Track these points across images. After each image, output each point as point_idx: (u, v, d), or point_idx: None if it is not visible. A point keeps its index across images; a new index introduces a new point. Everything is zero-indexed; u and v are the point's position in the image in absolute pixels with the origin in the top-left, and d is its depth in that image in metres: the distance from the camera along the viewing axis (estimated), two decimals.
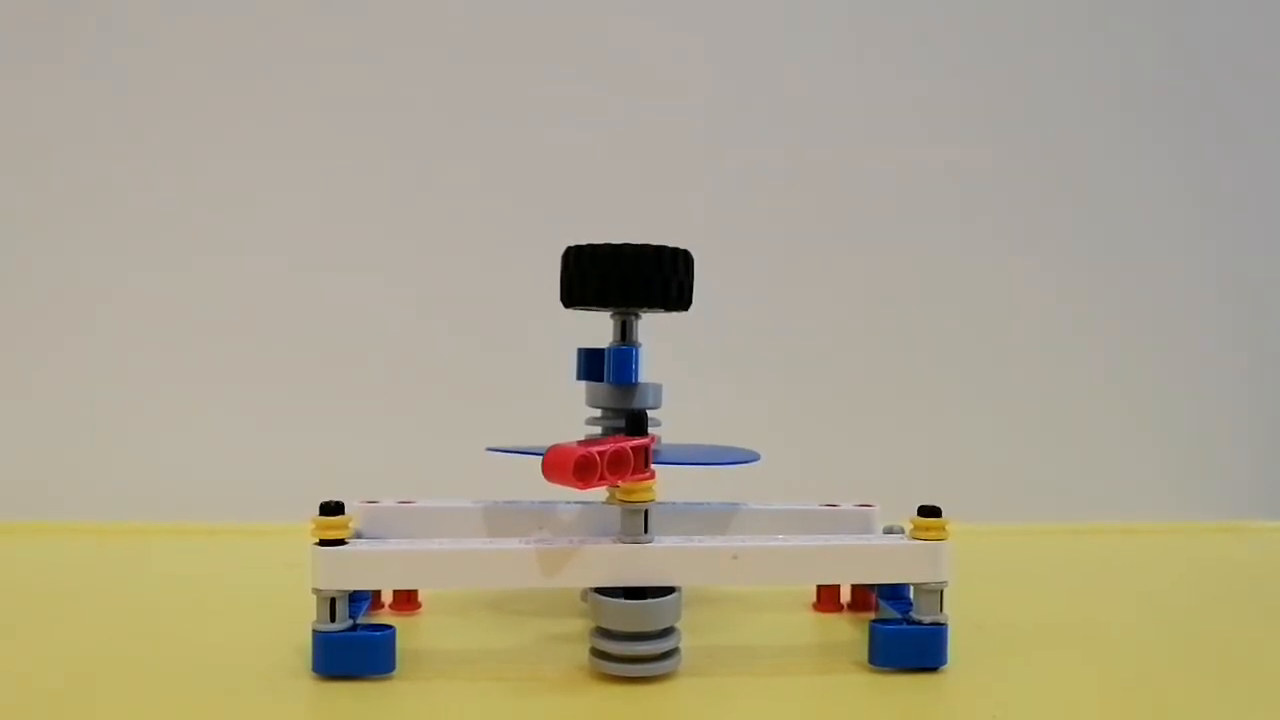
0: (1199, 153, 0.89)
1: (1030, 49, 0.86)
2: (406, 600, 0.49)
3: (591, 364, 0.45)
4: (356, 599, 0.41)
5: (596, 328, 0.47)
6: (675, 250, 0.43)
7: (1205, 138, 0.89)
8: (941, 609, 0.41)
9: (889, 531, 0.46)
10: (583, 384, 0.46)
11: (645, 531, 0.40)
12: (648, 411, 0.44)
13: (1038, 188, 0.87)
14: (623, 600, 0.38)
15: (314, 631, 0.38)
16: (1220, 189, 0.89)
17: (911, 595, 0.42)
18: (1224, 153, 0.89)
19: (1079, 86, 0.87)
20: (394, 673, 0.39)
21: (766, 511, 0.48)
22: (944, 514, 0.41)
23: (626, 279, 0.42)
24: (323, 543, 0.38)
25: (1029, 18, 0.86)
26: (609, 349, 0.44)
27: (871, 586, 0.48)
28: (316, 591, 0.38)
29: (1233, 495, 0.89)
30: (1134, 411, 0.88)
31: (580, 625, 0.46)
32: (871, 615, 0.46)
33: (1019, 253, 0.87)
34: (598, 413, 0.46)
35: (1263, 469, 0.90)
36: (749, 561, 0.40)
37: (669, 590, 0.39)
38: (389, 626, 0.39)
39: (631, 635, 0.38)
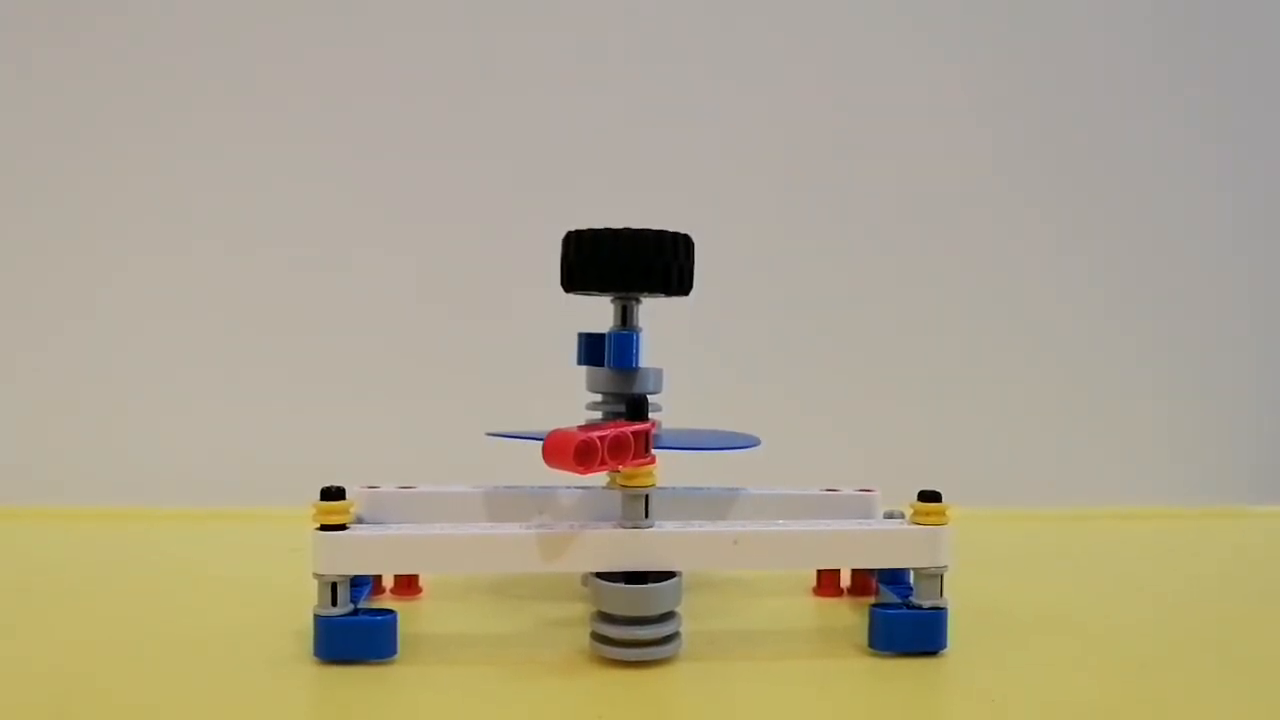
0: (1207, 143, 0.89)
1: (1039, 34, 0.86)
2: (407, 585, 0.49)
3: (592, 349, 0.45)
4: (358, 584, 0.41)
5: (597, 313, 0.47)
6: (676, 235, 0.43)
7: (1212, 126, 0.89)
8: (941, 593, 0.41)
9: (889, 516, 0.46)
10: (583, 369, 0.46)
11: (646, 516, 0.40)
12: (648, 396, 0.44)
13: (1041, 174, 0.87)
14: (623, 585, 0.38)
15: (315, 616, 0.38)
16: (1226, 176, 0.89)
17: (911, 580, 0.42)
18: (1232, 143, 0.89)
19: (1089, 74, 0.87)
20: (395, 657, 0.39)
21: (767, 496, 0.48)
22: (944, 499, 0.41)
23: (627, 264, 0.42)
24: (324, 528, 0.38)
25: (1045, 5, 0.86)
26: (609, 334, 0.44)
27: (872, 571, 0.49)
28: (318, 576, 0.38)
29: (1233, 480, 0.89)
30: (1134, 396, 0.88)
31: (581, 610, 0.46)
32: (872, 600, 0.46)
33: (1020, 238, 0.86)
34: (598, 398, 0.46)
35: (1264, 453, 0.90)
36: (749, 546, 0.40)
37: (669, 575, 0.39)
38: (390, 611, 0.39)
39: (632, 620, 0.38)
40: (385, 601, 0.48)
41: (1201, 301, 0.89)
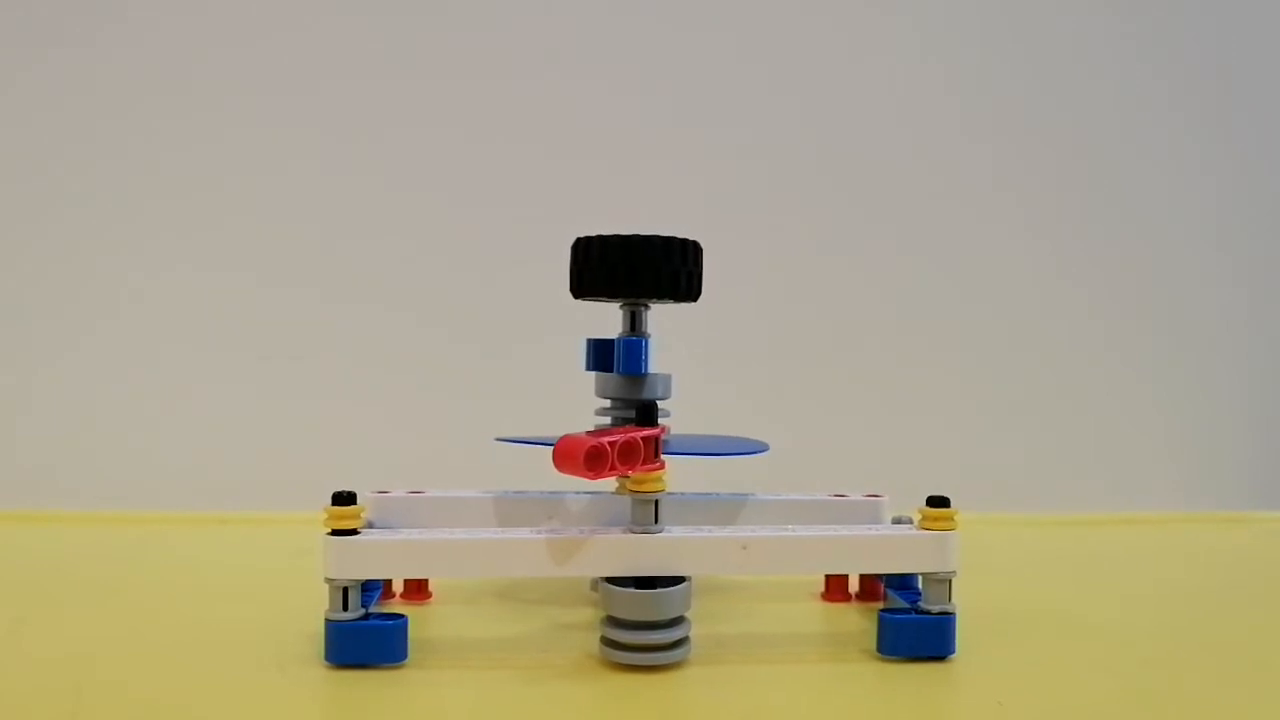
0: (1213, 148, 0.89)
1: (1037, 41, 0.86)
2: (418, 589, 0.49)
3: (601, 355, 0.45)
4: (368, 588, 0.41)
5: (606, 318, 0.47)
6: (684, 241, 0.43)
7: (1220, 132, 0.89)
8: (949, 598, 0.41)
9: (897, 521, 0.46)
10: (592, 374, 0.46)
11: (655, 521, 0.40)
12: (657, 402, 0.44)
13: (1047, 178, 0.87)
14: (633, 589, 0.39)
15: (326, 621, 0.39)
16: (1231, 183, 0.89)
17: (920, 585, 0.42)
18: (1231, 151, 0.89)
19: (1092, 78, 0.87)
20: (406, 661, 0.39)
21: (775, 502, 0.48)
22: (952, 504, 0.41)
23: (635, 270, 0.42)
24: (335, 532, 0.39)
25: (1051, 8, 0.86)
26: (618, 340, 0.44)
27: (880, 576, 0.49)
28: (329, 581, 0.38)
29: (1238, 486, 0.89)
30: (1140, 402, 0.88)
31: (590, 614, 0.46)
32: (880, 605, 0.46)
33: (1026, 244, 0.87)
34: (607, 403, 0.46)
35: (1268, 459, 0.90)
36: (758, 551, 0.40)
37: (679, 580, 0.39)
38: (401, 615, 0.39)
39: (642, 624, 0.38)
40: (396, 606, 0.48)
41: (1202, 308, 0.89)
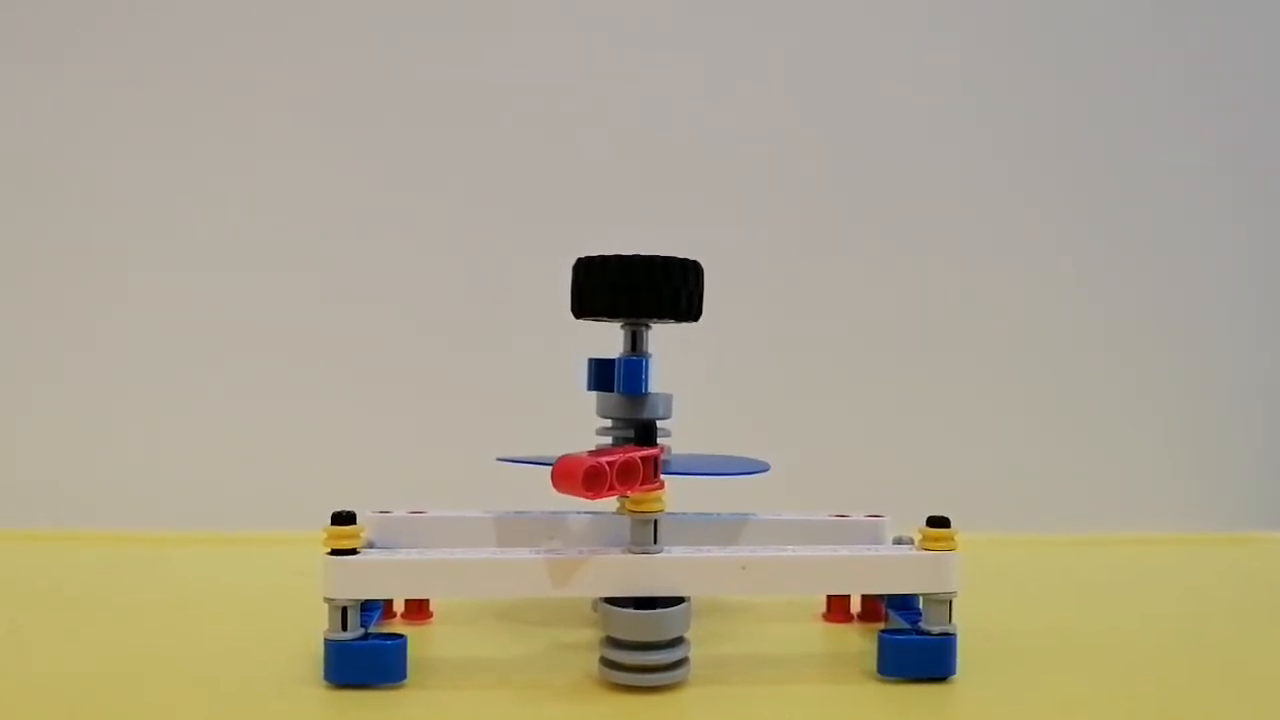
0: (1227, 160, 0.89)
1: (1041, 42, 0.87)
2: (418, 609, 0.49)
3: (601, 374, 0.45)
4: (368, 608, 0.41)
5: (607, 338, 0.47)
6: (685, 261, 0.44)
7: (1228, 143, 0.89)
8: (950, 619, 0.41)
9: (898, 542, 0.46)
10: (593, 394, 0.46)
11: (655, 542, 0.40)
12: (657, 422, 0.44)
13: (1052, 193, 0.87)
14: (632, 610, 0.39)
15: (326, 640, 0.39)
16: (1244, 198, 0.89)
17: (920, 605, 0.42)
18: (1242, 162, 0.89)
19: (1103, 84, 0.87)
20: (405, 681, 0.39)
21: (776, 522, 0.48)
22: (953, 524, 0.41)
23: (636, 290, 0.42)
24: (335, 552, 0.39)
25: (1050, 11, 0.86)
26: (619, 359, 0.45)
27: (881, 597, 0.49)
28: (328, 600, 0.38)
29: (1244, 507, 0.88)
30: (1145, 422, 0.88)
31: (590, 634, 0.46)
32: (881, 625, 0.46)
33: (1031, 262, 0.87)
34: (608, 423, 0.46)
35: (1272, 479, 0.90)
36: (758, 572, 0.40)
37: (678, 600, 0.39)
38: (400, 635, 0.39)
39: (641, 645, 0.38)
40: (396, 626, 0.48)
41: (1211, 327, 0.89)
